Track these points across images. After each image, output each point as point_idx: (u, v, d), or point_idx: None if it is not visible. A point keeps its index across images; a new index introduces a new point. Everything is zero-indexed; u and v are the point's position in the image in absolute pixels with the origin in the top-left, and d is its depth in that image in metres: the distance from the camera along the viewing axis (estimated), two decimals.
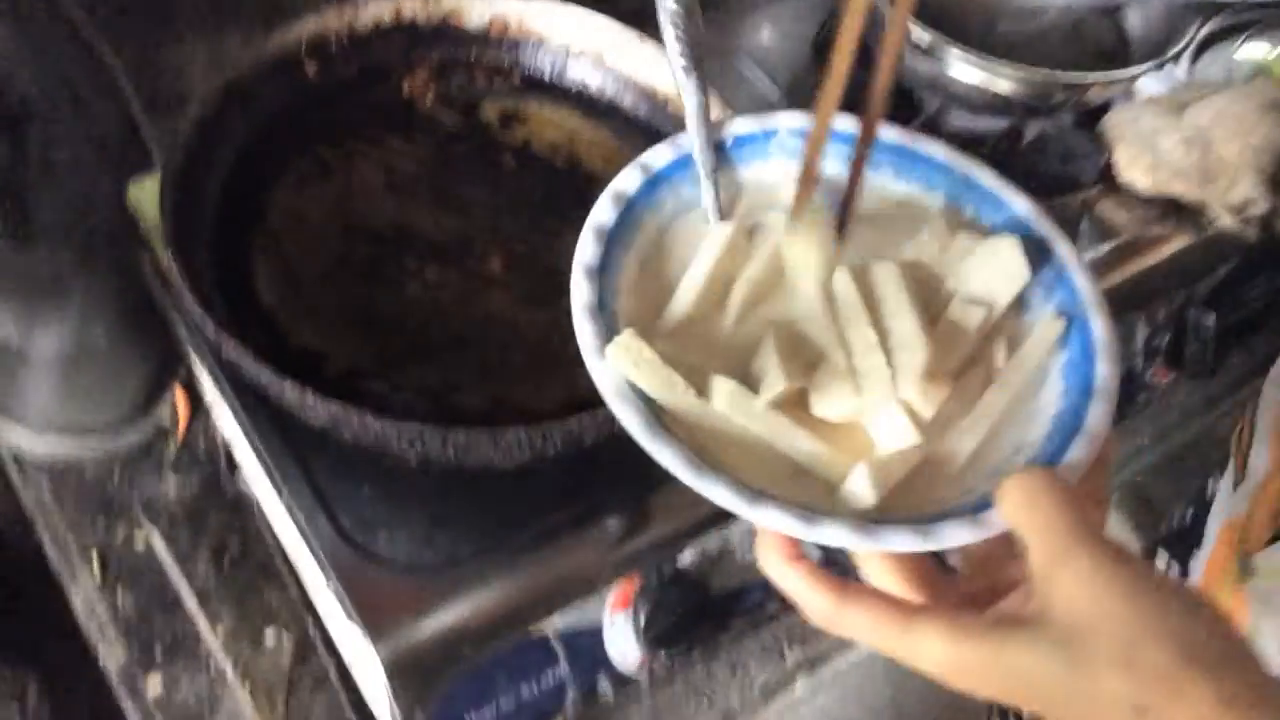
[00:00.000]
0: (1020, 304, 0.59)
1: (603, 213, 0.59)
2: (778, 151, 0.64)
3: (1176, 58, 0.99)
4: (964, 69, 0.97)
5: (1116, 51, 1.09)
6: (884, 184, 0.63)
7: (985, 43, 1.02)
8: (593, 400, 0.58)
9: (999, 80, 0.96)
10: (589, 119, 0.95)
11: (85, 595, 0.90)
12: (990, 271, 0.58)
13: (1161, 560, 1.08)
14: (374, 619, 0.70)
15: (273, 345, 0.78)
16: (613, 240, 0.58)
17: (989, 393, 0.55)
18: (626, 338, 0.52)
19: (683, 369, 0.53)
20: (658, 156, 0.62)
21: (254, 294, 0.80)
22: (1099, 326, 0.56)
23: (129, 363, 0.91)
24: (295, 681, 0.86)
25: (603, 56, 0.96)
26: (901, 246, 0.61)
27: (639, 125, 0.95)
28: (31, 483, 0.95)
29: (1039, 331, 0.57)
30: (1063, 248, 0.60)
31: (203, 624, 0.88)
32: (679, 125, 0.92)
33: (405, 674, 0.71)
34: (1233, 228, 1.04)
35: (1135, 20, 1.09)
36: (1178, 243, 1.04)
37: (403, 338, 0.79)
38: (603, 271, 0.57)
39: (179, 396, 0.98)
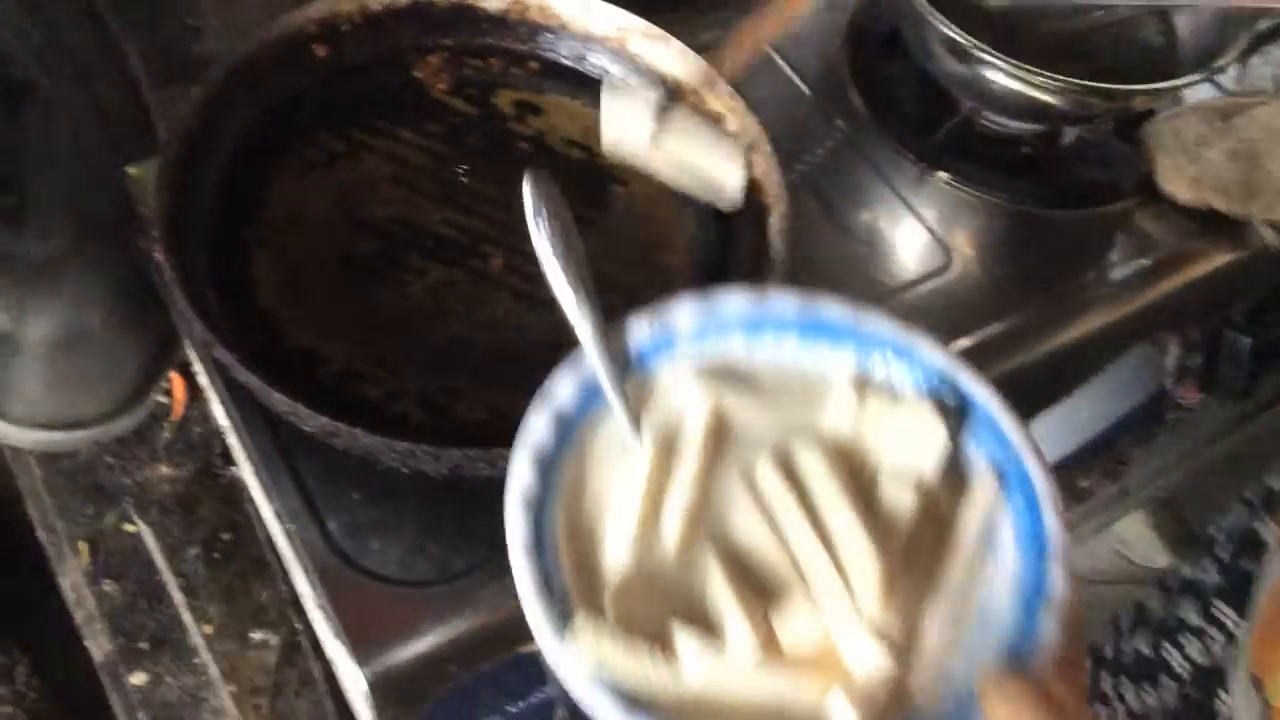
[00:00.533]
0: (958, 468, 0.58)
1: (523, 476, 0.55)
2: (680, 344, 0.61)
3: (1224, 68, 0.94)
4: (999, 75, 0.92)
5: (1164, 52, 1.04)
6: (789, 354, 0.61)
7: (1030, 41, 0.97)
8: None
9: (1035, 89, 0.92)
10: None
11: (73, 582, 0.89)
12: (909, 441, 0.57)
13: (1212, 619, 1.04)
14: (361, 636, 0.68)
15: (269, 343, 0.75)
16: (542, 503, 0.55)
17: (935, 602, 0.54)
18: (586, 629, 0.51)
19: (640, 626, 0.52)
20: (561, 392, 0.58)
21: (251, 288, 0.77)
22: (1038, 478, 0.55)
23: (124, 349, 0.88)
24: (281, 684, 0.84)
25: (625, 45, 0.92)
26: (813, 419, 0.59)
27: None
28: (22, 462, 0.94)
29: (974, 496, 0.57)
30: (985, 395, 0.58)
31: (189, 619, 0.86)
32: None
33: (390, 692, 0.69)
34: (1275, 245, 1.00)
35: (1185, 22, 1.05)
36: (1217, 259, 1.00)
37: (403, 340, 0.77)
38: (539, 545, 0.54)
39: (175, 381, 0.96)
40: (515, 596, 0.71)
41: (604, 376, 0.58)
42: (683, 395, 0.60)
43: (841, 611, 0.52)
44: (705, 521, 0.56)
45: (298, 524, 0.72)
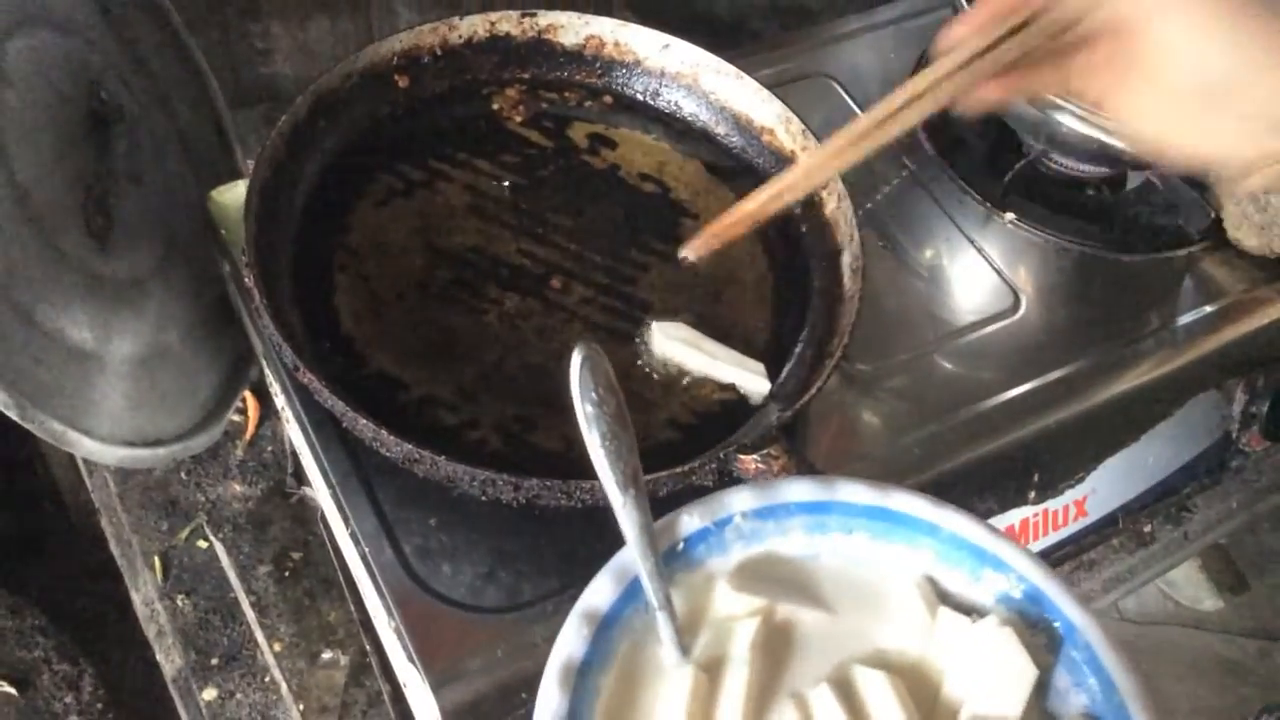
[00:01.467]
0: (1039, 690, 0.52)
1: (551, 702, 0.51)
2: (735, 540, 0.57)
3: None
4: (1069, 119, 0.93)
5: None
6: (856, 552, 0.56)
7: None
8: (669, 451, 0.54)
9: (1105, 133, 0.92)
10: (680, 146, 0.93)
11: (145, 597, 0.90)
12: (988, 672, 0.51)
13: None
14: (433, 660, 0.69)
15: (349, 368, 0.76)
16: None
17: None
18: None
19: None
20: (599, 597, 0.54)
21: (333, 313, 0.79)
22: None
23: (202, 367, 0.90)
24: (349, 703, 0.85)
25: (698, 81, 0.93)
26: (878, 633, 0.54)
27: (731, 155, 0.93)
28: (98, 478, 0.96)
29: None
30: (1082, 619, 0.52)
31: (260, 636, 0.87)
32: (772, 158, 0.91)
33: (461, 716, 0.70)
34: None
35: None
36: None
37: (480, 369, 0.78)
38: None
39: (249, 400, 0.98)
40: None
41: (649, 588, 0.54)
42: (731, 603, 0.55)
43: None
44: None
45: (372, 546, 0.73)
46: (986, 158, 1.05)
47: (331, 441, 0.77)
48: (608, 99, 0.95)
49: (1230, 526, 1.15)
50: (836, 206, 0.85)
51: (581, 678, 0.51)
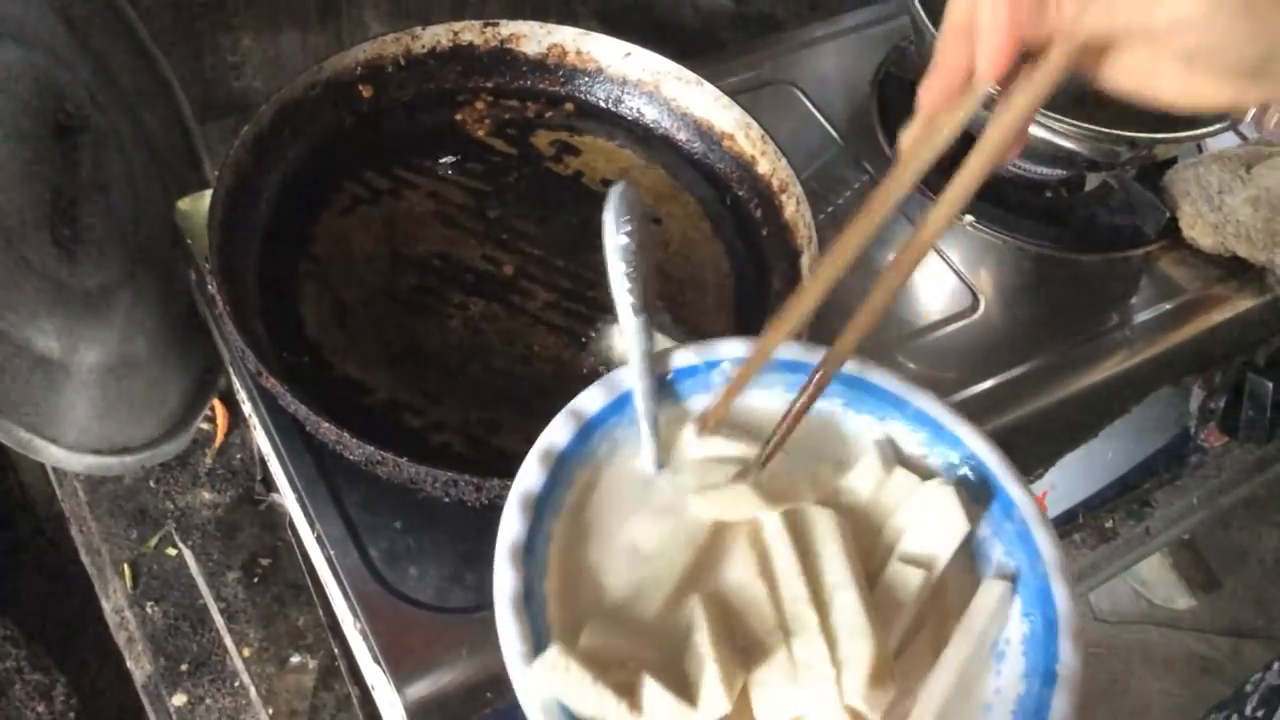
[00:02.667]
0: (971, 555, 0.56)
1: (530, 477, 0.54)
2: (720, 382, 0.60)
3: (1245, 118, 0.96)
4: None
5: None
6: (831, 413, 0.60)
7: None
8: None
9: (1061, 136, 0.94)
10: (642, 153, 0.94)
11: (115, 605, 0.91)
12: (928, 522, 0.54)
13: None
14: (399, 661, 0.70)
15: (315, 374, 0.77)
16: (542, 505, 0.53)
17: (935, 672, 0.52)
18: (553, 655, 0.48)
19: (613, 664, 0.49)
20: (590, 401, 0.57)
21: (299, 319, 0.80)
22: (1061, 597, 0.52)
23: (169, 375, 0.91)
24: (318, 707, 0.86)
25: (659, 88, 0.95)
26: (835, 481, 0.58)
27: (692, 160, 0.94)
28: (68, 487, 0.96)
29: (982, 600, 0.54)
30: (1020, 495, 0.55)
31: (229, 642, 0.88)
32: (733, 164, 0.93)
33: (427, 717, 0.71)
34: None
35: None
36: (1239, 305, 1.01)
37: (444, 372, 0.79)
38: (530, 550, 0.52)
39: (217, 408, 0.98)
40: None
41: (640, 405, 0.57)
42: (700, 443, 0.58)
43: (823, 690, 0.49)
44: (704, 573, 0.54)
45: (339, 550, 0.74)
46: (946, 161, 1.06)
47: (297, 447, 0.77)
48: (571, 107, 0.96)
49: (1192, 522, 1.16)
50: (796, 210, 0.86)
51: (560, 465, 0.55)
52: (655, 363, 0.59)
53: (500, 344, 0.81)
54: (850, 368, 0.59)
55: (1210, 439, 1.13)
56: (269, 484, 0.96)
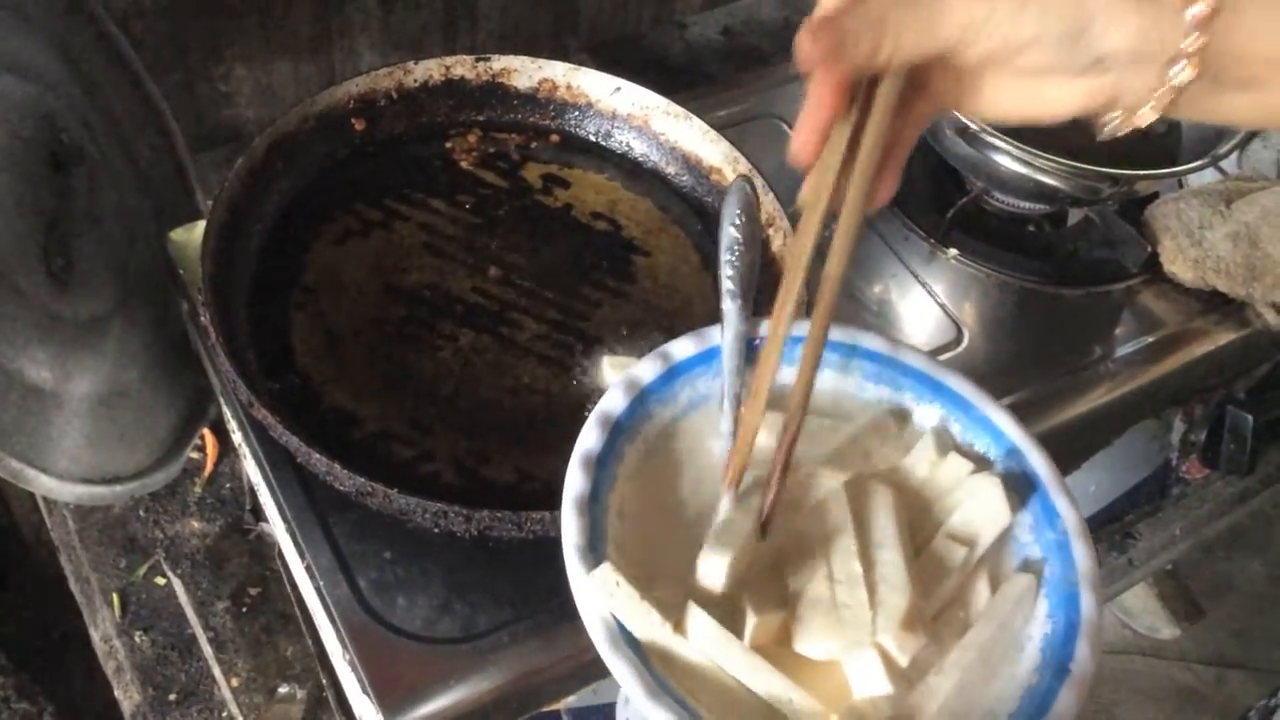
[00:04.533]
0: (1011, 552, 0.59)
1: (613, 401, 0.59)
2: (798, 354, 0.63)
3: (1227, 154, 0.98)
4: (1007, 159, 0.96)
5: (1167, 137, 1.08)
6: (902, 403, 0.64)
7: (1031, 127, 1.01)
8: None
9: (1042, 173, 0.96)
10: (631, 186, 0.95)
11: (104, 633, 0.91)
12: (975, 508, 0.59)
13: None
14: (387, 692, 0.70)
15: (305, 404, 0.78)
16: (619, 429, 0.58)
17: (958, 648, 0.55)
18: (604, 571, 0.52)
19: (664, 585, 0.53)
20: (680, 348, 0.62)
21: (289, 350, 0.80)
22: (1087, 605, 0.56)
23: (160, 405, 0.91)
24: None
25: (648, 123, 0.96)
26: (897, 458, 0.62)
27: (681, 194, 0.95)
28: (57, 515, 0.96)
29: (1010, 589, 0.57)
30: (1065, 507, 0.59)
31: (217, 672, 0.88)
32: (720, 196, 0.94)
33: None
34: (1276, 326, 1.03)
35: None
36: (1219, 338, 1.02)
37: (434, 403, 0.79)
38: (601, 462, 0.57)
39: (207, 437, 0.99)
40: (540, 656, 0.74)
41: (727, 382, 0.62)
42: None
43: (858, 628, 0.53)
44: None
45: (328, 580, 0.74)
46: (930, 195, 1.08)
47: (287, 477, 0.78)
48: (560, 140, 0.97)
49: (1174, 553, 1.17)
50: (782, 243, 0.87)
51: (642, 398, 0.59)
52: (747, 327, 0.64)
53: (490, 375, 0.82)
54: (927, 368, 0.64)
55: (1191, 471, 1.14)
56: (258, 513, 0.96)
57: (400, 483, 0.69)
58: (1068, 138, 1.00)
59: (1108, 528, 1.14)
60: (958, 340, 0.97)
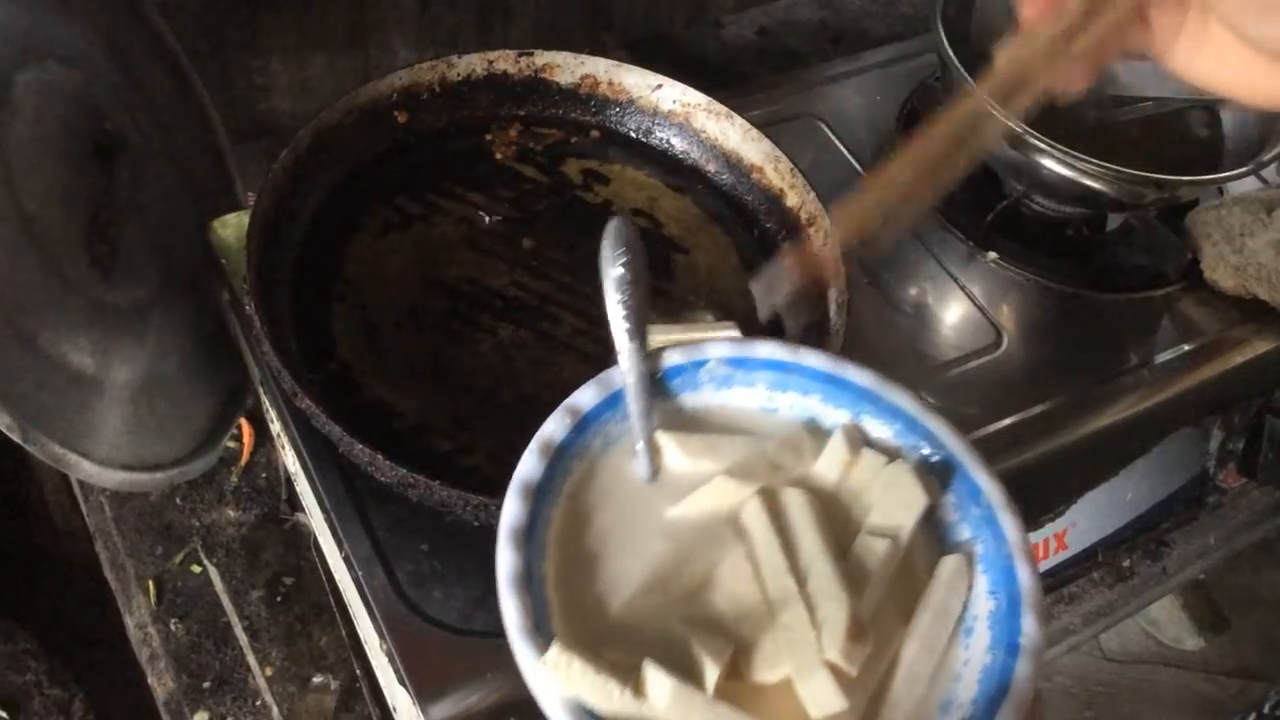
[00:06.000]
0: (939, 537, 0.59)
1: (529, 466, 0.57)
2: (707, 381, 0.63)
3: (1270, 162, 0.97)
4: (1051, 162, 0.96)
5: (1210, 144, 1.07)
6: (808, 406, 0.63)
7: (1078, 128, 1.00)
8: None
9: (1086, 177, 0.95)
10: (671, 183, 0.95)
11: (139, 620, 0.91)
12: (892, 498, 0.58)
13: None
14: (423, 683, 0.70)
15: (346, 395, 0.78)
16: (541, 493, 0.57)
17: (905, 643, 0.55)
18: (554, 654, 0.51)
19: (620, 657, 0.52)
20: (585, 398, 0.61)
21: (330, 341, 0.81)
22: (1024, 575, 0.55)
23: (199, 394, 0.92)
24: None
25: (689, 120, 0.96)
26: (806, 468, 0.61)
27: (721, 192, 0.95)
28: (94, 502, 0.96)
29: (941, 573, 0.57)
30: (986, 481, 0.59)
31: (252, 661, 0.88)
32: (761, 196, 0.94)
33: None
34: None
35: (1231, 115, 1.08)
36: (1260, 347, 1.02)
37: (474, 396, 0.79)
38: (530, 533, 0.55)
39: (244, 427, 0.99)
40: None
41: (637, 425, 0.60)
42: (702, 410, 0.63)
43: (805, 650, 0.52)
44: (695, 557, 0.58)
45: (366, 571, 0.74)
46: (970, 198, 1.08)
47: (327, 467, 0.78)
48: (601, 136, 0.97)
49: (1208, 562, 1.16)
50: (823, 243, 0.87)
51: (558, 456, 0.58)
52: (648, 362, 0.62)
53: (529, 369, 0.82)
54: (826, 366, 0.63)
55: (1229, 480, 1.14)
56: (294, 503, 0.96)
57: (440, 475, 0.69)
58: (1109, 142, 1.00)
59: (1143, 536, 1.13)
60: (996, 344, 0.97)
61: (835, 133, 1.13)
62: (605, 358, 0.82)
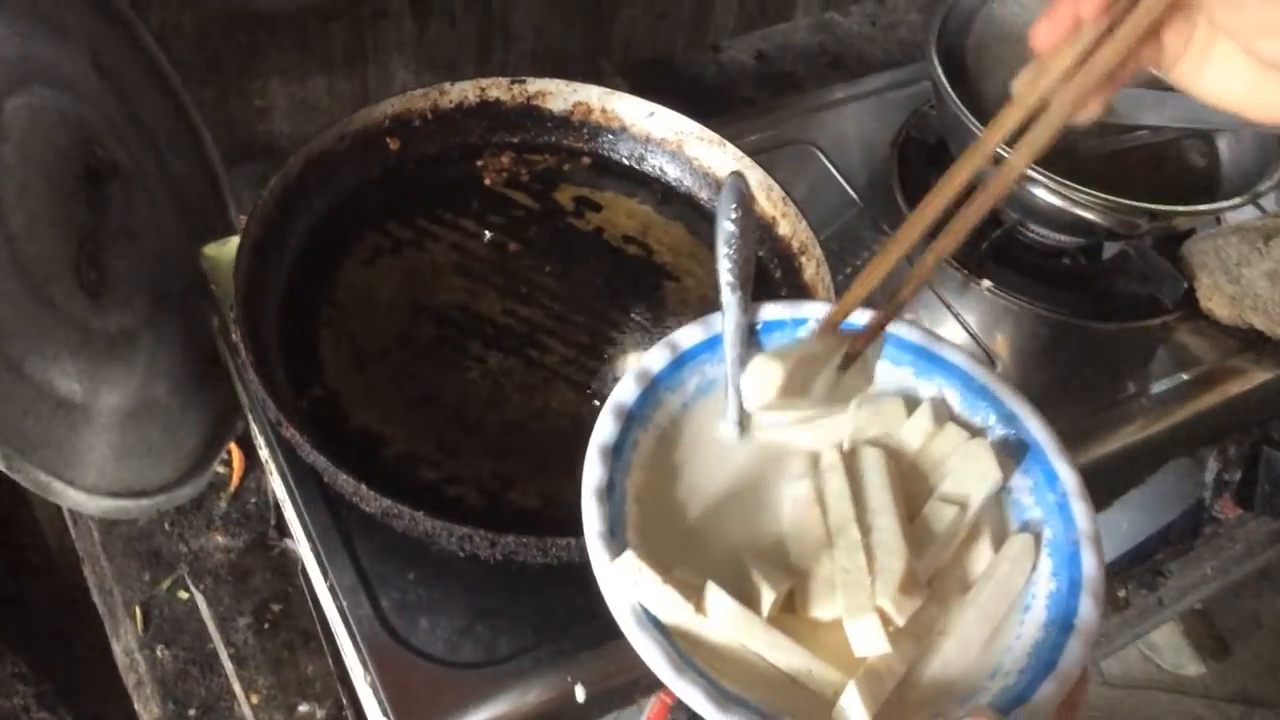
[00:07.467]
0: (1011, 517, 0.61)
1: (626, 391, 0.61)
2: (806, 334, 0.66)
3: (1267, 192, 0.97)
4: (1046, 192, 0.95)
5: (1206, 172, 1.07)
6: (901, 377, 0.66)
7: (1073, 157, 1.00)
8: None
9: (1081, 207, 0.95)
10: (663, 210, 0.95)
11: (125, 646, 0.91)
12: (967, 471, 0.60)
13: None
14: (407, 715, 0.70)
15: (333, 423, 0.78)
16: (632, 417, 0.60)
17: (958, 607, 0.57)
18: (627, 559, 0.54)
19: (685, 568, 0.56)
20: (687, 336, 0.64)
21: (318, 368, 0.80)
22: (1089, 562, 0.57)
23: (188, 419, 0.91)
24: None
25: (682, 147, 0.96)
26: (890, 431, 0.63)
27: (713, 220, 0.95)
28: (83, 526, 0.96)
29: (1008, 549, 0.59)
30: (1064, 470, 0.61)
31: (238, 689, 0.87)
32: (754, 224, 0.93)
33: None
34: None
35: (1227, 144, 1.07)
36: (1256, 377, 1.01)
37: (461, 425, 0.79)
38: (617, 451, 0.59)
39: (234, 452, 0.99)
40: (561, 683, 0.73)
41: (730, 372, 0.63)
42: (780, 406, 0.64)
43: (858, 594, 0.54)
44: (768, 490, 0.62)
45: (350, 600, 0.74)
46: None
47: (313, 495, 0.78)
48: (593, 163, 0.97)
49: (1205, 593, 1.16)
50: (815, 271, 0.87)
51: (653, 387, 0.62)
52: (749, 314, 0.66)
53: (518, 398, 0.81)
54: (921, 340, 0.65)
55: (1225, 510, 1.13)
56: (283, 529, 0.96)
57: (426, 505, 0.69)
58: (1105, 171, 0.99)
59: (1139, 566, 1.12)
60: None
61: (830, 159, 1.12)
62: (594, 385, 0.83)
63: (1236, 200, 0.97)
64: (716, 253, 0.69)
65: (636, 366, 0.62)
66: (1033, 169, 0.94)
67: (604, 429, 0.59)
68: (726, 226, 0.70)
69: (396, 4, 1.23)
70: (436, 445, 0.78)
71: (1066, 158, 0.97)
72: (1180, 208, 0.95)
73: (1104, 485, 1.02)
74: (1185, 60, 0.53)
